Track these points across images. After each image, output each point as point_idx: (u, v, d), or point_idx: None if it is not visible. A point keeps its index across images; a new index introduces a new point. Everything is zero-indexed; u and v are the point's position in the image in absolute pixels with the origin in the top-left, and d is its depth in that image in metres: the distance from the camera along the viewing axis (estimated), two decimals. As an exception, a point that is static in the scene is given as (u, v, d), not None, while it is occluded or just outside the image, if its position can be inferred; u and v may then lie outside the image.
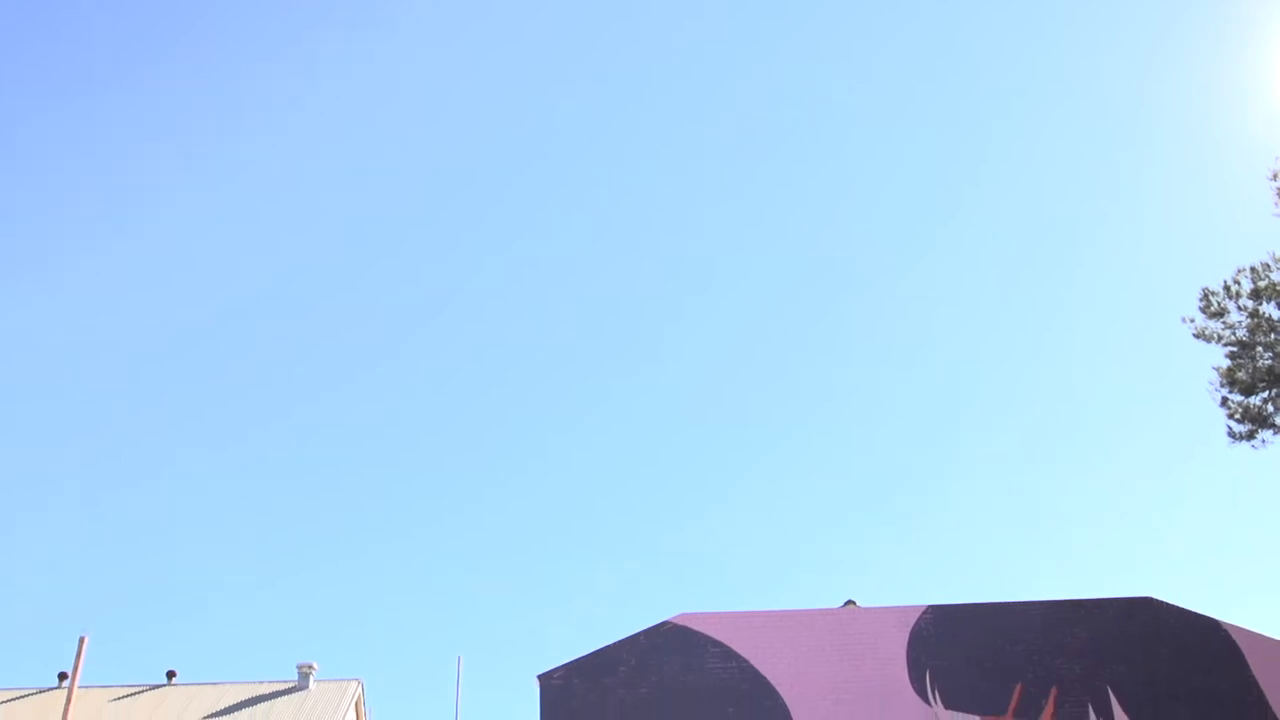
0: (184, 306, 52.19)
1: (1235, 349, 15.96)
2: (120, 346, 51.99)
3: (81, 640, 15.94)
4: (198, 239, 52.90)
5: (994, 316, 54.29)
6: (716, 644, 14.44)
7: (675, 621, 14.58)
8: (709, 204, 55.95)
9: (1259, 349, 15.74)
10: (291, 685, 24.95)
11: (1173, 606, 15.31)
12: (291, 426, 53.03)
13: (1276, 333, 15.65)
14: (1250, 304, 15.75)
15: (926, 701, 14.26)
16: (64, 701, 16.46)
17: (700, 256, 55.50)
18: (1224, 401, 16.29)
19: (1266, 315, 15.72)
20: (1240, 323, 15.89)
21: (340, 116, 54.33)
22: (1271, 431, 16.01)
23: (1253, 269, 15.72)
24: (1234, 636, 15.09)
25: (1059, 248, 53.70)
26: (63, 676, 24.64)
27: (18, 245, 49.51)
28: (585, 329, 56.43)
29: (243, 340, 53.02)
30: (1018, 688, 14.40)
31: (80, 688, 16.82)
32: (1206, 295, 16.08)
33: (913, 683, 14.37)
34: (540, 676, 14.11)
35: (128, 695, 24.52)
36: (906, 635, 14.70)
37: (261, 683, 25.00)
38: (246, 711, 23.37)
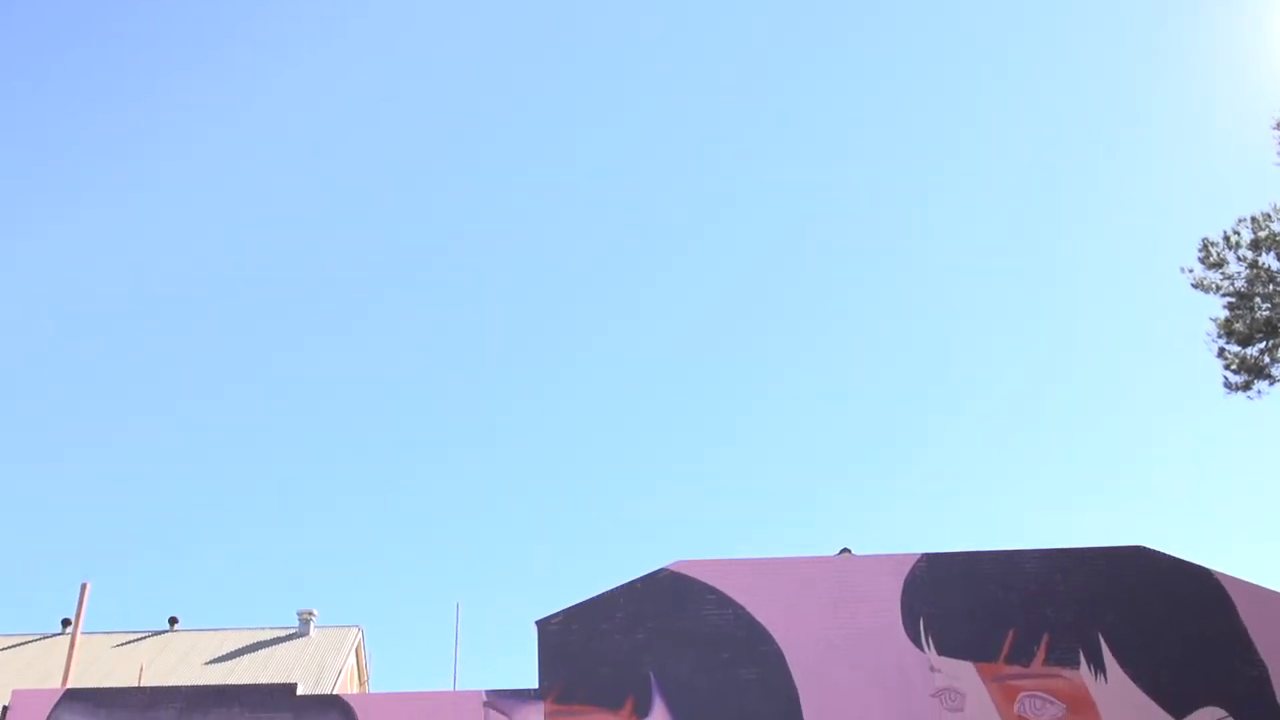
0: (179, 253, 51.94)
1: (1233, 300, 15.95)
2: (118, 291, 51.82)
3: (83, 586, 16.06)
4: (214, 185, 52.48)
5: (990, 265, 54.12)
6: (712, 591, 14.52)
7: (672, 569, 14.66)
8: (718, 139, 55.46)
9: (1257, 300, 15.73)
10: (292, 631, 25.21)
11: (1164, 555, 15.40)
12: (291, 373, 53.07)
13: (1275, 284, 15.63)
14: (1249, 254, 15.70)
15: (920, 648, 14.38)
16: (68, 647, 16.62)
17: (692, 207, 55.14)
18: (1221, 352, 16.32)
19: (1265, 266, 15.68)
20: (1239, 273, 15.86)
21: (313, 86, 53.62)
22: (1267, 382, 16.07)
23: (1253, 219, 15.64)
24: (1224, 585, 15.21)
25: (1057, 197, 53.40)
26: (66, 623, 24.86)
27: (17, 197, 49.08)
28: (580, 276, 56.24)
29: (237, 287, 52.85)
30: (1010, 635, 14.53)
31: (83, 634, 17.01)
32: (1206, 245, 16.03)
33: (907, 630, 14.48)
34: (538, 622, 14.21)
35: (131, 641, 24.81)
36: (901, 583, 14.78)
37: (263, 629, 25.27)
38: (248, 657, 23.66)
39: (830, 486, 56.22)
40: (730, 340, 56.57)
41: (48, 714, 13.13)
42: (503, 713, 13.44)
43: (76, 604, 16.18)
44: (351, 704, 13.56)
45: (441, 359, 57.07)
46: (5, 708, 13.29)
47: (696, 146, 56.76)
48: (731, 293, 56.37)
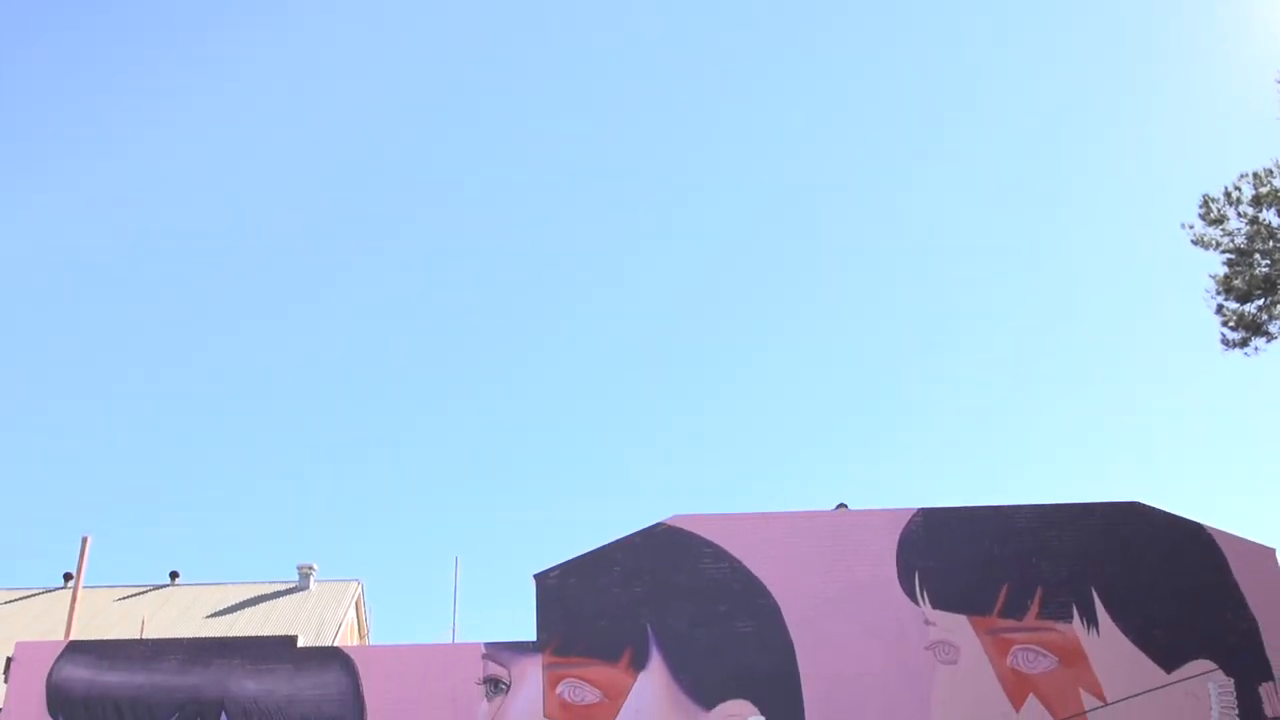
0: (181, 205, 51.66)
1: (1233, 256, 15.90)
2: (121, 241, 51.62)
3: (84, 540, 16.12)
4: (212, 139, 52.10)
5: (990, 221, 53.92)
6: (709, 545, 14.61)
7: (669, 523, 14.74)
8: (716, 98, 55.00)
9: (1257, 256, 15.68)
10: (292, 585, 25.35)
11: (1158, 511, 15.50)
12: (288, 327, 53.03)
13: (1275, 240, 15.56)
14: (1250, 210, 15.61)
15: (915, 602, 14.52)
16: (69, 601, 16.74)
17: (684, 160, 54.80)
18: (1219, 309, 16.29)
19: (1266, 222, 15.61)
20: (1239, 229, 15.78)
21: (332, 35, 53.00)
22: (1264, 339, 16.07)
23: (1255, 175, 15.53)
24: (1217, 540, 15.33)
25: (1056, 152, 53.10)
26: (68, 577, 25.00)
27: (20, 150, 48.73)
28: (580, 229, 56.04)
29: (241, 240, 52.65)
30: (1004, 589, 14.66)
31: (85, 588, 17.11)
32: (1206, 201, 15.94)
33: (902, 584, 14.61)
34: (536, 576, 14.32)
35: (132, 595, 24.97)
36: (896, 538, 14.88)
37: (263, 583, 25.41)
38: (249, 611, 23.83)
39: (827, 442, 56.47)
40: (729, 297, 56.50)
41: (51, 665, 13.28)
42: (501, 665, 13.59)
43: (78, 558, 16.27)
44: (352, 656, 13.70)
45: (441, 314, 57.03)
46: (9, 659, 13.41)
47: (716, 98, 56.31)
48: (732, 250, 56.23)
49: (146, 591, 25.25)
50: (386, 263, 55.61)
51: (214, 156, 53.21)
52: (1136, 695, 14.04)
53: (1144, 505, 15.50)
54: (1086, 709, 13.94)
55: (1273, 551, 15.45)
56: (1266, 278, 15.64)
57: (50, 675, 13.22)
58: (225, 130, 53.80)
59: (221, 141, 53.73)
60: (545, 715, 13.33)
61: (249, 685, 13.14)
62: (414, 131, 56.62)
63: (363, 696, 13.24)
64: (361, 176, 55.44)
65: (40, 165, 51.59)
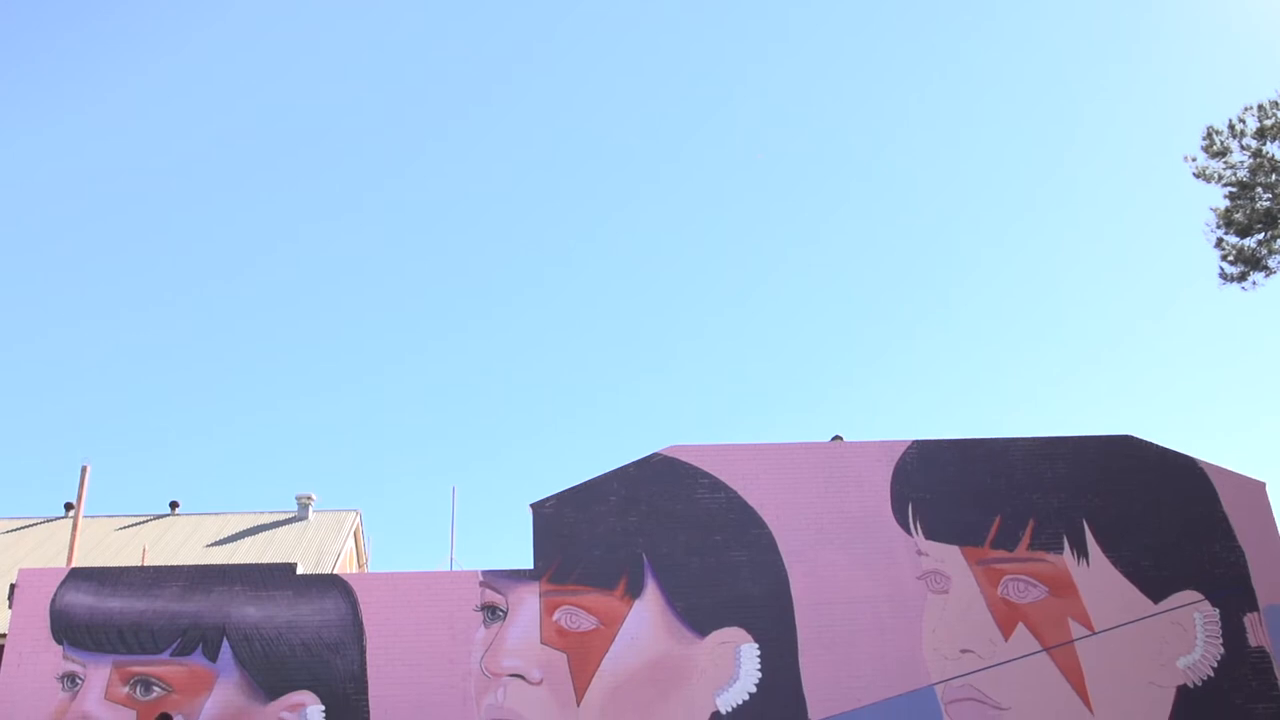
0: (184, 134, 51.04)
1: (1235, 190, 15.76)
2: (121, 169, 51.09)
3: (84, 469, 16.17)
4: (203, 68, 51.26)
5: (986, 154, 53.47)
6: (706, 475, 14.69)
7: (665, 453, 14.80)
8: (720, 37, 54.11)
9: (1258, 190, 15.55)
10: (291, 515, 25.49)
11: (1151, 444, 15.60)
12: (290, 258, 52.77)
13: (1278, 173, 15.41)
14: (1254, 143, 15.43)
15: (908, 532, 14.66)
16: (70, 530, 16.85)
17: (686, 98, 54.08)
18: (1219, 243, 16.22)
19: (1269, 155, 15.43)
20: (1242, 163, 15.62)
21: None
22: (1263, 274, 16.02)
23: (1259, 107, 15.33)
24: (1209, 474, 15.47)
25: (1058, 85, 52.43)
26: (69, 507, 25.13)
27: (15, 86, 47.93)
28: (581, 159, 55.53)
29: (238, 172, 52.14)
30: (996, 520, 14.80)
31: (86, 517, 17.20)
32: (1210, 134, 15.75)
33: (895, 515, 14.74)
34: (533, 505, 14.40)
35: (133, 524, 25.11)
36: (891, 469, 14.97)
37: (263, 513, 25.55)
38: (249, 540, 24.00)
39: (823, 375, 56.65)
40: (726, 229, 56.22)
41: (54, 591, 13.42)
42: (499, 592, 13.71)
43: (78, 487, 16.33)
44: (350, 583, 13.82)
45: (438, 247, 56.73)
46: (13, 585, 13.54)
47: (697, 45, 55.37)
48: (728, 184, 55.76)
49: (147, 521, 25.40)
50: (388, 190, 55.18)
51: (224, 89, 52.41)
52: (1123, 625, 14.27)
53: (1137, 439, 15.59)
54: (1074, 638, 14.18)
55: (1263, 485, 15.60)
56: (1268, 212, 15.53)
57: (54, 601, 13.35)
58: (240, 58, 52.93)
59: (229, 70, 52.88)
60: (542, 642, 13.49)
61: (250, 611, 13.29)
62: (442, 39, 55.71)
63: (362, 622, 13.40)
64: (363, 117, 54.70)
65: (42, 90, 50.82)
